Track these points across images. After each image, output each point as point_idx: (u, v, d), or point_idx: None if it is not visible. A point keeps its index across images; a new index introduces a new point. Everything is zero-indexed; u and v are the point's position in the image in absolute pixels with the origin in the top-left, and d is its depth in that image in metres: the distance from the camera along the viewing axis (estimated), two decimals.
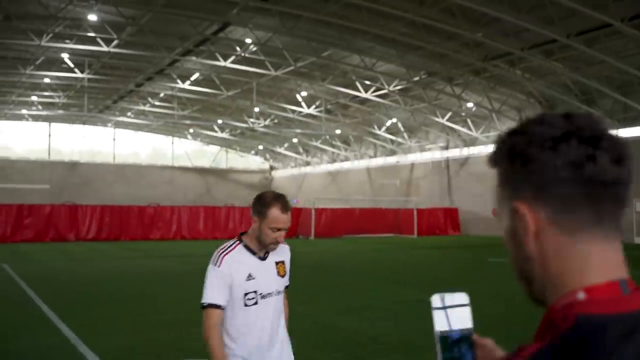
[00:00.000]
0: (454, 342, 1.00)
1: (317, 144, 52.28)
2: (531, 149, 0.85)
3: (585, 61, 25.89)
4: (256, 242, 3.00)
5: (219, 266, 2.92)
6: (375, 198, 44.44)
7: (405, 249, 26.79)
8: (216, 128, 51.37)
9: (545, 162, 0.84)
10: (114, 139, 54.54)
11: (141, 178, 54.87)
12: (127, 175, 54.50)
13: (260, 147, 58.73)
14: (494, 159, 0.92)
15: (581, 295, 0.81)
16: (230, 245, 3.01)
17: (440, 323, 1.00)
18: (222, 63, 31.40)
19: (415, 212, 37.36)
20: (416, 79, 32.61)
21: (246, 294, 2.91)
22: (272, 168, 63.81)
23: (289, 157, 59.58)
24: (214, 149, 60.43)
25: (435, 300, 1.02)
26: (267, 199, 2.93)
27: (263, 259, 3.02)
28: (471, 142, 39.65)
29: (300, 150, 57.15)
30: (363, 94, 35.69)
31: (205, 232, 32.57)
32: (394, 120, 41.86)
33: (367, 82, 34.05)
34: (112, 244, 27.52)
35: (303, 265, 18.49)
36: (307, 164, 58.46)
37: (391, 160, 47.20)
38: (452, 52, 26.93)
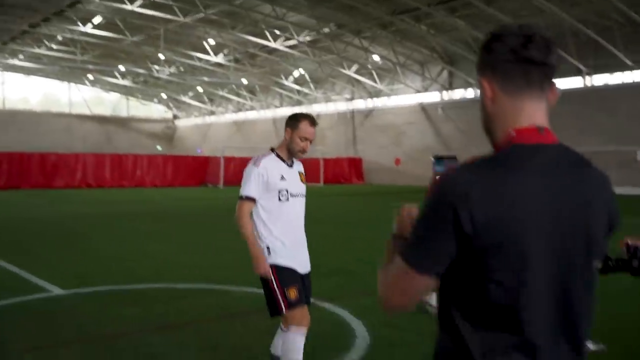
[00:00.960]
0: None
1: (223, 93, 51.45)
2: (491, 43, 1.32)
3: (485, 19, 27.50)
4: (286, 152, 3.59)
5: (257, 166, 3.49)
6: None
7: (314, 196, 27.69)
8: (117, 75, 48.85)
9: (496, 50, 1.30)
10: (2, 83, 50.21)
11: (35, 125, 51.24)
12: (19, 122, 50.70)
13: (164, 95, 56.74)
14: (479, 54, 1.40)
15: (513, 133, 1.29)
16: (266, 153, 3.62)
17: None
18: (128, 7, 29.79)
19: (321, 162, 38.34)
20: (325, 30, 32.93)
21: (280, 191, 3.49)
22: (175, 117, 62.00)
23: (194, 106, 58.14)
24: (114, 96, 57.52)
25: (437, 157, 1.49)
26: (299, 115, 3.58)
27: (290, 166, 3.60)
28: (376, 94, 40.97)
29: (205, 99, 55.95)
30: (272, 44, 35.48)
31: (112, 181, 31.55)
32: (301, 71, 42.10)
33: (277, 32, 33.88)
34: (13, 192, 25.97)
35: (232, 209, 18.75)
36: (212, 113, 57.45)
37: (297, 110, 47.46)
38: (362, 5, 27.46)
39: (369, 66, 38.56)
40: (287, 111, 48.44)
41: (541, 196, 1.22)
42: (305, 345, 3.62)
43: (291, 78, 43.90)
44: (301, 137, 3.50)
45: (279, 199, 3.49)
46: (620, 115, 28.43)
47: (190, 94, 54.75)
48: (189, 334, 5.00)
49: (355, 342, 4.74)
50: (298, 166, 3.67)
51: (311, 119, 3.55)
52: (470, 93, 35.46)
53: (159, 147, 55.19)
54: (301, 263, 3.56)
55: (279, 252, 3.46)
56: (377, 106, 40.68)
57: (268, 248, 3.47)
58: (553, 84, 1.32)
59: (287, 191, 3.51)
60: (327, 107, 44.72)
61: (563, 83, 31.05)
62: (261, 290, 5.52)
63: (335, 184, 38.07)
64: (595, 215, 1.29)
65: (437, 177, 1.26)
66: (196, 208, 19.28)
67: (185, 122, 61.25)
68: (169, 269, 8.08)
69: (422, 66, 37.22)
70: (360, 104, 42.28)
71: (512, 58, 1.28)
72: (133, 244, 10.62)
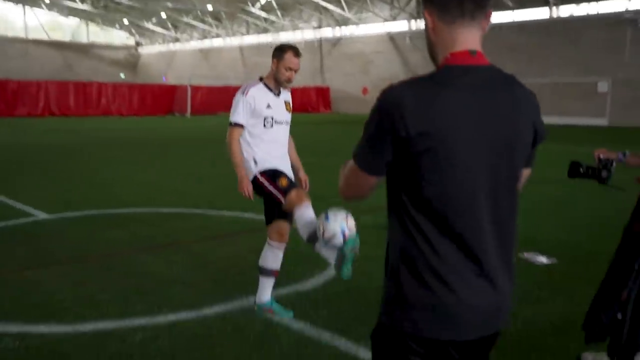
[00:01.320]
0: None
1: (188, 19, 49.72)
2: None
3: None
4: (273, 82, 3.81)
5: (245, 95, 3.73)
6: (249, 77, 44.26)
7: (295, 124, 27.78)
8: None
9: None
10: None
11: None
12: None
13: (125, 21, 54.48)
14: None
15: (448, 56, 1.46)
16: (255, 83, 3.83)
17: None
18: None
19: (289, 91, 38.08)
20: None
21: (265, 118, 3.75)
22: (138, 44, 59.89)
23: (157, 33, 56.14)
24: (73, 21, 54.95)
25: None
26: (284, 46, 3.78)
27: (277, 95, 3.83)
28: (344, 22, 40.31)
29: (169, 26, 54.02)
30: None
31: (77, 109, 30.81)
32: None
33: None
34: None
35: (203, 138, 18.82)
36: (177, 40, 55.68)
37: (264, 38, 46.62)
38: None
39: None
40: (254, 39, 47.41)
41: (470, 110, 1.39)
42: (285, 263, 3.98)
43: (258, 5, 42.63)
44: (286, 68, 3.71)
45: (264, 126, 3.75)
46: (583, 46, 28.92)
47: (154, 20, 52.74)
48: (178, 254, 5.33)
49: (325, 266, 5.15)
50: (285, 95, 3.89)
51: (295, 50, 3.74)
52: None
53: (122, 75, 53.60)
54: (286, 170, 3.82)
55: (264, 162, 3.75)
56: (345, 35, 40.15)
57: (254, 159, 3.75)
58: (485, 13, 1.47)
59: (272, 118, 3.75)
60: (294, 35, 43.86)
61: (529, 14, 31.19)
62: (240, 213, 5.82)
63: (302, 113, 38.03)
64: (520, 127, 1.46)
65: (382, 90, 1.46)
66: (168, 137, 19.22)
67: (149, 50, 59.30)
68: (152, 195, 8.31)
69: None
70: (328, 32, 41.61)
71: None
72: (114, 170, 10.74)
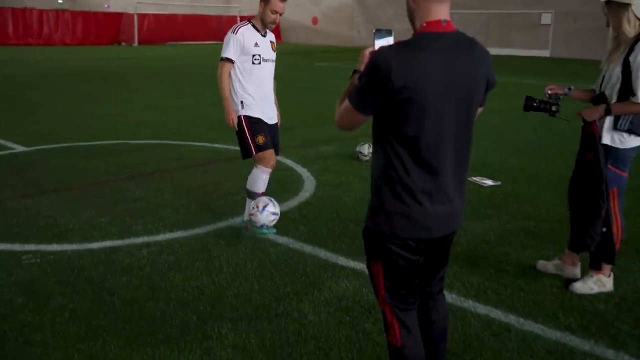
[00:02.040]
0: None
1: None
2: None
3: None
4: (260, 23, 4.22)
5: (236, 34, 4.14)
6: (195, 4, 42.70)
7: None
8: None
9: None
10: None
11: None
12: None
13: None
14: None
15: (424, 24, 1.88)
16: (244, 24, 4.22)
17: (379, 44, 2.01)
18: None
19: (238, 19, 37.20)
20: None
21: (254, 55, 4.15)
22: None
23: None
24: None
25: (376, 29, 2.06)
26: None
27: (264, 36, 4.22)
28: None
29: None
30: None
31: (16, 38, 29.31)
32: None
33: None
34: None
35: (155, 68, 18.56)
36: None
37: None
38: None
39: None
40: None
41: (439, 68, 1.82)
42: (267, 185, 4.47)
43: None
44: (272, 11, 4.09)
45: (253, 63, 4.14)
46: None
47: None
48: (161, 181, 5.72)
49: (304, 184, 5.68)
50: (270, 36, 4.29)
51: None
52: None
53: (59, 0, 50.51)
54: (269, 115, 4.29)
55: (251, 106, 4.18)
56: None
57: (242, 102, 4.18)
58: None
59: (259, 56, 4.15)
60: None
61: None
62: (209, 144, 6.23)
63: None
64: (477, 79, 1.92)
65: (373, 51, 1.92)
66: (119, 67, 18.83)
67: None
68: (118, 127, 8.51)
69: None
70: None
71: None
72: (74, 103, 10.73)
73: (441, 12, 1.89)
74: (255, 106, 4.18)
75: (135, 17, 33.20)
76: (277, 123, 4.41)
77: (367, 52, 2.00)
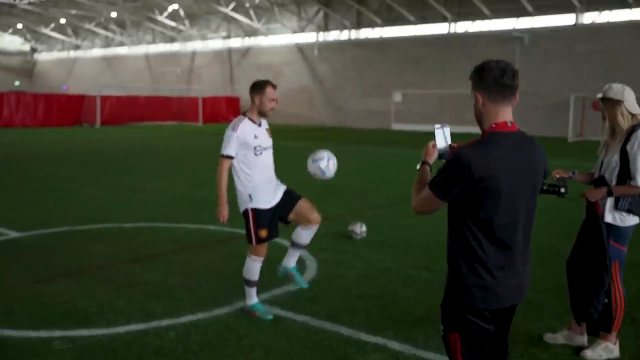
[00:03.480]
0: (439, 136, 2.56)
1: (90, 26, 48.00)
2: (481, 72, 2.40)
3: None
4: (256, 115, 4.49)
5: (236, 131, 4.40)
6: (156, 86, 43.60)
7: (204, 135, 27.94)
8: None
9: (484, 77, 2.31)
10: None
11: None
12: None
13: (20, 26, 51.48)
14: (471, 76, 2.43)
15: (494, 125, 2.30)
16: (241, 119, 4.50)
17: (439, 138, 2.54)
18: None
19: (200, 101, 38.08)
20: None
21: (255, 147, 4.43)
22: (34, 50, 56.74)
23: (56, 39, 53.57)
24: None
25: (437, 126, 2.57)
26: (262, 82, 4.46)
27: (259, 126, 4.53)
28: (252, 33, 40.91)
29: (70, 32, 51.79)
30: None
31: None
32: (176, 6, 40.62)
33: None
34: None
35: (124, 149, 18.69)
36: (77, 47, 53.47)
37: (172, 47, 46.12)
38: None
39: (246, 4, 38.30)
40: (161, 48, 46.72)
41: (510, 161, 2.25)
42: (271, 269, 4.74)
43: (165, 13, 42.16)
44: (269, 99, 4.41)
45: (255, 154, 4.42)
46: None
47: (52, 25, 50.30)
48: (166, 263, 5.85)
49: (306, 262, 5.91)
50: (265, 124, 4.59)
51: (272, 83, 4.46)
52: (345, 35, 36.92)
53: (16, 83, 50.61)
54: (275, 196, 4.55)
55: (259, 198, 4.42)
56: (254, 45, 40.79)
57: (250, 195, 4.42)
58: (515, 95, 2.37)
59: (260, 146, 4.43)
60: (203, 45, 43.85)
61: (430, 29, 33.56)
62: (203, 226, 7.01)
63: (214, 123, 38.15)
64: (538, 169, 2.38)
65: (453, 149, 2.34)
66: (88, 149, 18.90)
67: (46, 57, 56.41)
68: (106, 210, 8.59)
69: (298, 6, 37.78)
70: (237, 42, 42.04)
71: (494, 83, 2.30)
72: (56, 186, 10.75)
73: (506, 115, 2.31)
74: (262, 195, 4.41)
75: (98, 99, 33.52)
76: (285, 190, 4.61)
77: (431, 145, 2.46)
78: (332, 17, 36.61)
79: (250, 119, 4.46)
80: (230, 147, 4.35)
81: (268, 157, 4.51)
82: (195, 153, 18.48)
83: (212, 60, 43.00)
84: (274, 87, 4.45)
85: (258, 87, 4.41)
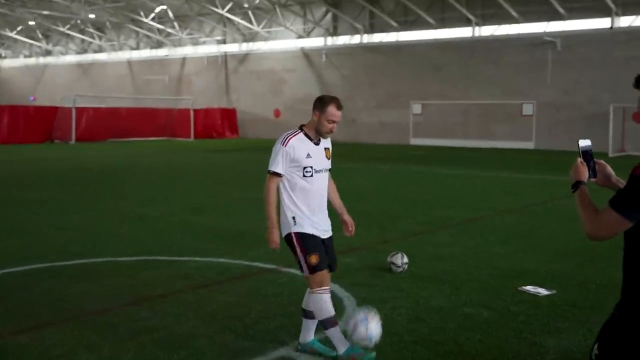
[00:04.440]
0: (586, 153, 2.61)
1: (64, 29, 48.30)
2: None
3: None
4: (314, 132, 4.36)
5: (285, 145, 4.25)
6: (139, 96, 43.69)
7: (197, 152, 27.81)
8: None
9: None
10: None
11: None
12: None
13: None
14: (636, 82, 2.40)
15: None
16: (295, 132, 4.36)
17: (583, 142, 2.61)
18: None
19: (191, 113, 38.05)
20: None
21: (305, 168, 4.26)
22: None
23: (22, 42, 53.91)
24: None
25: (582, 141, 2.63)
26: (326, 99, 4.33)
27: (317, 144, 4.37)
28: (251, 37, 41.10)
29: (39, 35, 52.13)
30: None
31: None
32: (164, 7, 40.89)
33: None
34: None
35: (106, 170, 18.55)
36: (48, 53, 53.78)
37: (159, 53, 46.33)
38: None
39: (245, 4, 38.52)
40: (146, 54, 46.93)
41: None
42: (291, 311, 4.45)
43: (152, 15, 42.41)
44: (329, 120, 4.25)
45: (304, 175, 4.26)
46: (505, 67, 31.63)
47: (19, 28, 50.64)
48: (175, 305, 5.56)
49: (344, 302, 5.65)
50: (325, 143, 4.43)
51: (338, 102, 4.30)
52: (356, 39, 37.04)
53: (31, 98, 50.70)
54: (323, 229, 4.36)
55: (303, 221, 4.27)
56: (253, 50, 40.93)
57: (294, 218, 4.27)
58: None
59: (312, 168, 4.27)
60: (194, 50, 44.03)
61: (452, 32, 33.62)
62: (214, 259, 6.94)
63: (206, 139, 38.09)
64: None
65: (602, 166, 2.52)
66: (63, 169, 18.75)
67: (11, 63, 56.76)
68: (98, 241, 8.34)
69: (303, 7, 37.98)
70: (234, 47, 42.20)
71: None
72: (31, 214, 10.50)
73: None
74: (307, 221, 4.27)
75: (74, 112, 33.47)
76: (331, 237, 4.46)
77: (579, 162, 2.51)
78: (342, 19, 36.77)
79: (305, 134, 4.33)
80: (277, 164, 4.25)
81: (320, 182, 4.36)
82: (189, 173, 18.32)
83: (205, 67, 43.12)
84: (339, 107, 4.31)
85: (320, 103, 4.30)
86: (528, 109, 31.07)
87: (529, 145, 30.75)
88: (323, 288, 4.24)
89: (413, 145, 32.92)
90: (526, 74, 30.91)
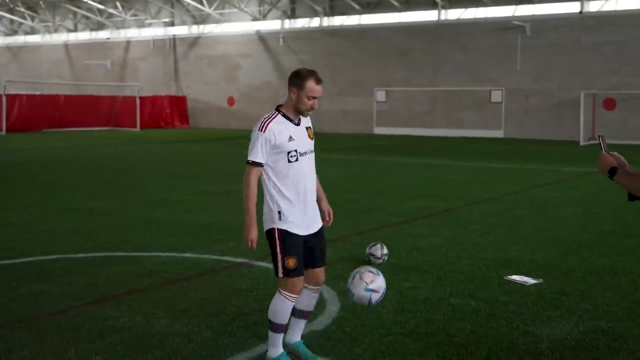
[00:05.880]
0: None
1: None
2: None
3: None
4: (293, 111, 4.20)
5: (264, 132, 4.08)
6: (78, 82, 42.80)
7: (144, 143, 27.41)
8: None
9: None
10: None
11: None
12: None
13: None
14: None
15: None
16: (272, 115, 4.18)
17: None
18: None
19: (137, 101, 37.44)
20: None
21: (289, 153, 4.13)
22: None
23: None
24: None
25: (601, 135, 2.97)
26: (303, 72, 4.13)
27: (297, 124, 4.23)
28: (202, 19, 40.64)
29: None
30: None
31: None
32: None
33: None
34: None
35: (45, 162, 18.16)
36: None
37: (99, 35, 45.41)
38: None
39: None
40: (85, 36, 45.96)
41: None
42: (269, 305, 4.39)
43: None
44: (308, 97, 4.09)
45: (289, 161, 4.13)
46: (473, 52, 32.12)
47: None
48: (143, 303, 5.49)
49: (324, 294, 5.67)
50: (305, 122, 4.31)
51: (317, 76, 4.12)
52: (316, 22, 37.04)
53: None
54: (310, 223, 4.26)
55: (289, 217, 4.15)
56: (205, 33, 40.50)
57: (279, 213, 4.15)
58: None
59: (296, 151, 4.13)
60: (139, 32, 43.31)
61: (417, 16, 33.94)
62: (177, 254, 6.82)
63: (154, 129, 37.57)
64: None
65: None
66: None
67: None
68: (47, 238, 8.16)
69: None
70: (183, 30, 41.67)
71: None
72: None
73: None
74: (294, 217, 4.16)
75: (4, 99, 32.54)
76: (321, 228, 4.38)
77: (603, 152, 2.76)
78: (300, 0, 36.68)
79: (284, 115, 4.18)
80: (256, 152, 4.08)
81: (306, 166, 4.22)
82: (138, 165, 18.07)
83: (151, 51, 42.46)
84: (318, 80, 4.12)
85: (296, 78, 4.13)
86: (497, 96, 31.68)
87: (499, 133, 31.36)
88: (292, 295, 4.17)
89: (377, 135, 33.17)
90: (495, 59, 31.48)
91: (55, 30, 47.42)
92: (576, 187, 13.55)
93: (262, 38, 38.24)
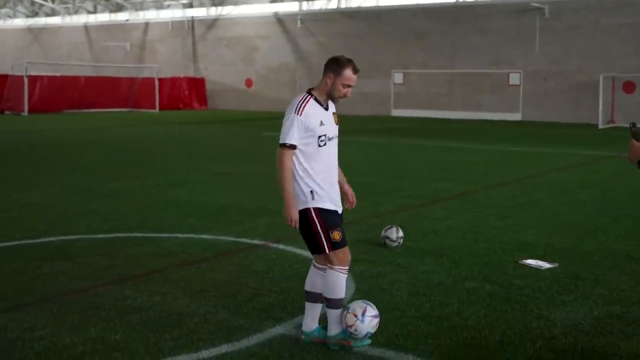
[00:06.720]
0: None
1: None
2: None
3: None
4: (325, 96, 4.23)
5: (300, 115, 4.11)
6: (99, 64, 42.99)
7: (163, 124, 27.54)
8: None
9: None
10: None
11: None
12: None
13: None
14: None
15: None
16: (306, 98, 4.20)
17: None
18: None
19: (156, 83, 37.57)
20: None
21: (319, 137, 4.17)
22: None
23: None
24: None
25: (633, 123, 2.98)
26: (343, 60, 4.17)
27: (326, 109, 4.27)
28: (220, 1, 40.53)
29: None
30: None
31: None
32: None
33: None
34: None
35: (66, 143, 18.35)
36: None
37: (119, 17, 45.50)
38: None
39: None
40: (104, 18, 46.09)
41: None
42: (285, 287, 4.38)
43: None
44: (344, 84, 4.14)
45: (319, 145, 4.17)
46: (492, 35, 31.77)
47: None
48: (161, 283, 5.55)
49: None
50: (332, 107, 4.35)
51: (354, 66, 4.18)
52: (334, 3, 36.81)
53: None
54: (338, 203, 4.33)
55: (322, 196, 4.19)
56: (223, 14, 40.43)
57: (312, 192, 4.18)
58: None
59: (325, 136, 4.19)
60: (158, 14, 43.34)
61: None
62: (195, 235, 6.71)
63: (172, 110, 37.74)
64: None
65: None
66: (19, 143, 18.44)
67: None
68: (67, 218, 8.26)
69: None
70: (202, 11, 41.63)
71: None
72: None
73: None
74: (326, 196, 4.21)
75: (26, 81, 32.80)
76: (342, 211, 4.40)
77: (633, 142, 2.86)
78: None
79: (316, 100, 4.20)
80: (292, 135, 4.09)
81: (332, 150, 4.29)
82: (157, 147, 18.19)
83: (170, 33, 42.50)
84: (356, 70, 4.17)
85: (335, 65, 4.15)
86: (515, 78, 31.37)
87: (516, 116, 31.09)
88: (344, 266, 4.22)
89: (395, 117, 33.03)
90: (513, 42, 31.14)
91: (75, 12, 47.59)
92: (595, 171, 13.43)
93: (279, 20, 38.10)
